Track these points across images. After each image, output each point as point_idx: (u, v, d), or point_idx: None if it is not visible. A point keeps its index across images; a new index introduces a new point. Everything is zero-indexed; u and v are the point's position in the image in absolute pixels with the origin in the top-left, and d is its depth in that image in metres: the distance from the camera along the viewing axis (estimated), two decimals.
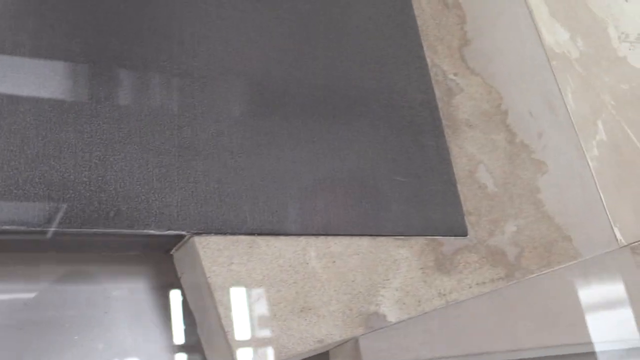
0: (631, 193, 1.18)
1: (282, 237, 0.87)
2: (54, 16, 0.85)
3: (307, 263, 0.87)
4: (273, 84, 0.95)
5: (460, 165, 1.04)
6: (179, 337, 0.88)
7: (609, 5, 1.40)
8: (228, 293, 0.81)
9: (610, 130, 1.22)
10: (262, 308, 0.82)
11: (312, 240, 0.89)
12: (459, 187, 1.02)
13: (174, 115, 0.87)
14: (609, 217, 1.13)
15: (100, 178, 0.80)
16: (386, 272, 0.91)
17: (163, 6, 0.93)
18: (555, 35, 1.28)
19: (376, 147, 0.98)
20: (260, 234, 0.86)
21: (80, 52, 0.85)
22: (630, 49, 1.36)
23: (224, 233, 0.84)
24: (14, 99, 0.79)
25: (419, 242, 0.96)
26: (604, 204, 1.14)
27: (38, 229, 0.75)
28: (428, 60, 1.11)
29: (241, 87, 0.93)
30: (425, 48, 1.11)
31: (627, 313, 1.08)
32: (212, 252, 0.82)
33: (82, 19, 0.86)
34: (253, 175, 0.88)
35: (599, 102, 1.24)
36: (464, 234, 0.99)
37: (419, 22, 1.13)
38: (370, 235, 0.93)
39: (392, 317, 0.89)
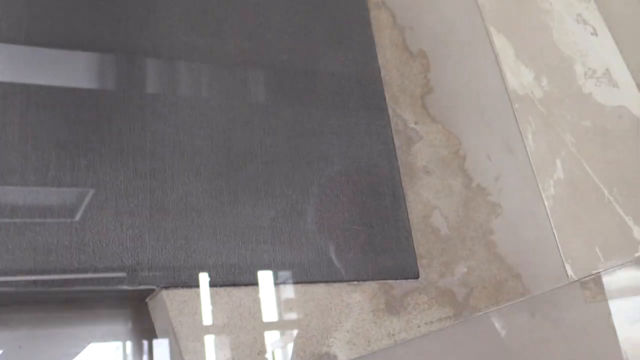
0: (585, 228, 1.25)
1: (242, 287, 0.98)
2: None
3: (266, 310, 0.98)
4: (237, 145, 1.06)
5: (415, 212, 1.14)
6: None
7: (576, 41, 1.46)
8: (193, 340, 0.93)
9: (569, 169, 1.30)
10: (223, 353, 0.94)
11: (270, 289, 0.99)
12: (413, 232, 1.12)
13: (146, 179, 0.98)
14: (561, 254, 1.21)
15: (79, 241, 0.91)
16: (339, 316, 1.02)
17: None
18: (520, 77, 1.35)
19: (333, 199, 1.08)
20: (222, 285, 0.97)
21: (61, 122, 0.97)
22: (596, 85, 1.42)
23: (190, 286, 0.95)
24: (4, 175, 0.91)
25: (371, 286, 1.06)
26: (557, 241, 1.22)
27: (26, 289, 0.87)
28: (390, 110, 1.19)
29: (207, 150, 1.04)
30: (387, 99, 1.20)
31: (574, 347, 1.16)
32: (178, 303, 0.94)
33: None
34: (217, 232, 0.99)
35: (559, 141, 1.32)
36: (415, 276, 1.09)
37: (383, 72, 1.22)
38: (326, 282, 1.03)
39: (342, 357, 1.00)
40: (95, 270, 0.91)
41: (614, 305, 1.23)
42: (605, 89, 1.43)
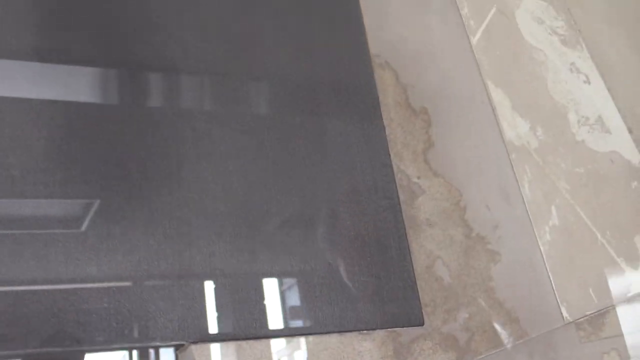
0: (578, 271, 1.34)
1: (263, 340, 1.08)
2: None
3: None
4: (255, 206, 1.16)
5: (419, 262, 1.23)
6: None
7: (570, 90, 1.55)
8: None
9: (563, 215, 1.39)
10: None
11: (288, 340, 1.10)
12: (417, 281, 1.21)
13: (174, 242, 1.09)
14: (557, 297, 1.30)
15: (117, 302, 1.02)
16: None
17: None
18: (517, 128, 1.44)
19: (343, 253, 1.18)
20: (245, 338, 1.07)
21: (97, 193, 1.08)
22: (589, 132, 1.51)
23: (216, 340, 1.05)
24: (47, 243, 1.02)
25: (380, 334, 1.15)
26: (553, 285, 1.31)
27: (69, 349, 0.98)
28: (394, 166, 1.29)
29: (227, 212, 1.14)
30: (392, 155, 1.30)
31: None
32: (205, 357, 1.04)
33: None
34: (239, 288, 1.09)
35: (554, 188, 1.41)
36: (420, 324, 1.18)
37: (388, 131, 1.32)
38: (338, 331, 1.13)
39: None
40: (131, 329, 1.01)
41: (608, 344, 1.32)
42: (598, 136, 1.52)
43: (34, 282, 0.99)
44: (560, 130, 1.49)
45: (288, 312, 1.11)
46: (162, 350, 1.10)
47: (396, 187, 1.28)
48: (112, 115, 1.16)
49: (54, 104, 1.12)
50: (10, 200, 1.03)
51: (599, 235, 1.41)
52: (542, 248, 1.34)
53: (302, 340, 1.10)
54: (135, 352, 1.11)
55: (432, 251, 1.25)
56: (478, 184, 1.35)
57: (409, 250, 1.23)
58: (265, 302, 1.10)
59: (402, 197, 1.27)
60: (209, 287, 1.08)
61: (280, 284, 1.12)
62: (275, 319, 1.10)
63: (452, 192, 1.32)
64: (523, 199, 1.37)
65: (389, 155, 1.30)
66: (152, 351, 1.11)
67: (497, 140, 1.41)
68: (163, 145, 1.15)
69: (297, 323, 1.11)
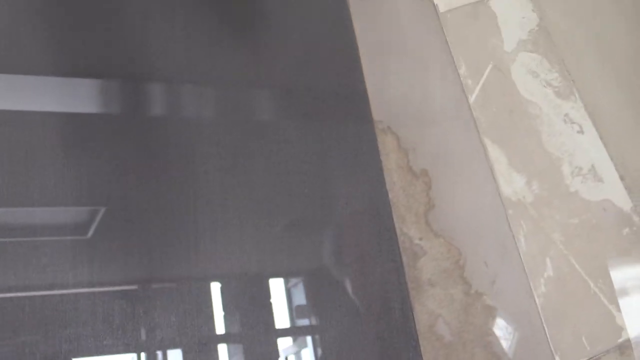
0: (572, 320, 1.43)
1: None
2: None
3: None
4: (268, 274, 1.26)
5: (422, 322, 1.32)
6: None
7: (564, 142, 1.63)
8: None
9: (557, 266, 1.47)
10: None
11: None
12: (420, 340, 1.30)
13: (193, 317, 1.19)
14: (551, 347, 1.39)
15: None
16: None
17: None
18: (513, 184, 1.53)
19: (349, 317, 1.27)
20: None
21: (120, 272, 1.18)
22: (582, 182, 1.59)
23: None
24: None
25: None
26: (547, 336, 1.40)
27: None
28: (397, 230, 1.38)
29: (243, 283, 1.24)
30: (395, 219, 1.39)
31: None
32: None
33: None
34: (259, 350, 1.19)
35: (549, 240, 1.49)
36: None
37: (391, 195, 1.41)
38: None
39: None
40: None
41: None
42: (591, 185, 1.60)
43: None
44: (555, 182, 1.58)
45: None
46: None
47: (399, 249, 1.36)
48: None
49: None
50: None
51: (591, 284, 1.49)
52: (537, 300, 1.42)
53: None
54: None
55: (433, 310, 1.34)
56: (476, 242, 1.43)
57: (412, 311, 1.32)
58: None
59: (404, 259, 1.36)
60: (231, 350, 1.18)
61: (294, 352, 1.22)
62: None
63: (452, 251, 1.40)
64: (519, 252, 1.45)
65: (392, 218, 1.39)
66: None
67: (494, 197, 1.49)
68: (176, 209, 1.25)
69: None
